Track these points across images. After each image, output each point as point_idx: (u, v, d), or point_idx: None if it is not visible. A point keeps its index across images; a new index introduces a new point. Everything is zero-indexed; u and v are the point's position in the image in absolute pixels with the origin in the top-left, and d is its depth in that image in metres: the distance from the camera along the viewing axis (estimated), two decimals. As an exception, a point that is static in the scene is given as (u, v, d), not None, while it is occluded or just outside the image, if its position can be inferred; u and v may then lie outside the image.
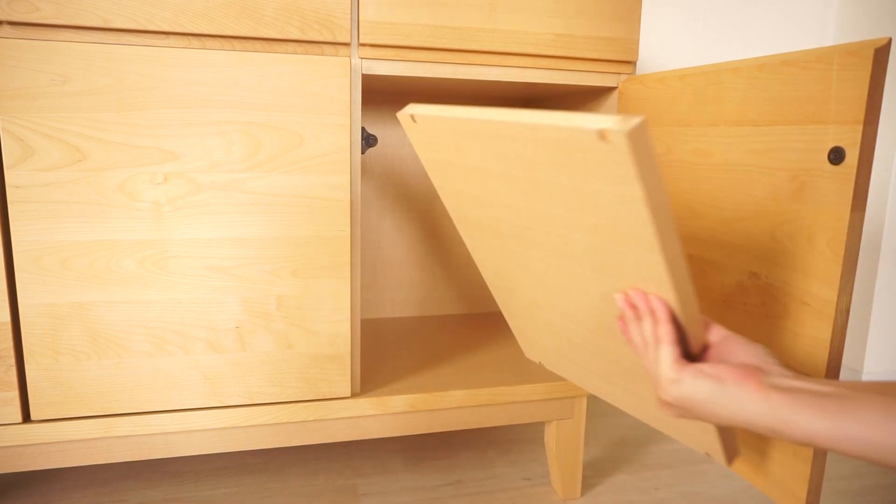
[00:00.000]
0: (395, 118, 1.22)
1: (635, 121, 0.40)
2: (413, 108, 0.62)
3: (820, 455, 0.60)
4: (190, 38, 0.74)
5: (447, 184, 0.67)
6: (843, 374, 1.50)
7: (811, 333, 0.59)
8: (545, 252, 0.60)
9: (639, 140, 0.40)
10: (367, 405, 0.86)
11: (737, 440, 0.59)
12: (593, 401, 1.42)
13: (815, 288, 0.59)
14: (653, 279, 0.48)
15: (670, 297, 0.48)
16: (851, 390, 0.41)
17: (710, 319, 0.55)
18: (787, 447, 0.62)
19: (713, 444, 0.59)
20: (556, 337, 0.71)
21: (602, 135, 0.41)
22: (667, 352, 0.48)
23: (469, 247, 0.75)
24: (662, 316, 0.48)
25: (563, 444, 1.00)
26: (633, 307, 0.51)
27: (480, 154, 0.57)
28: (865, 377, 1.46)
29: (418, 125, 0.63)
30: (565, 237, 0.55)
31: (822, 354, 0.58)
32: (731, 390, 0.45)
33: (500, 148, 0.53)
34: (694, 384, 0.46)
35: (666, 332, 0.48)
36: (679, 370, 0.47)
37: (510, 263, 0.68)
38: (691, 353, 0.52)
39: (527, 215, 0.58)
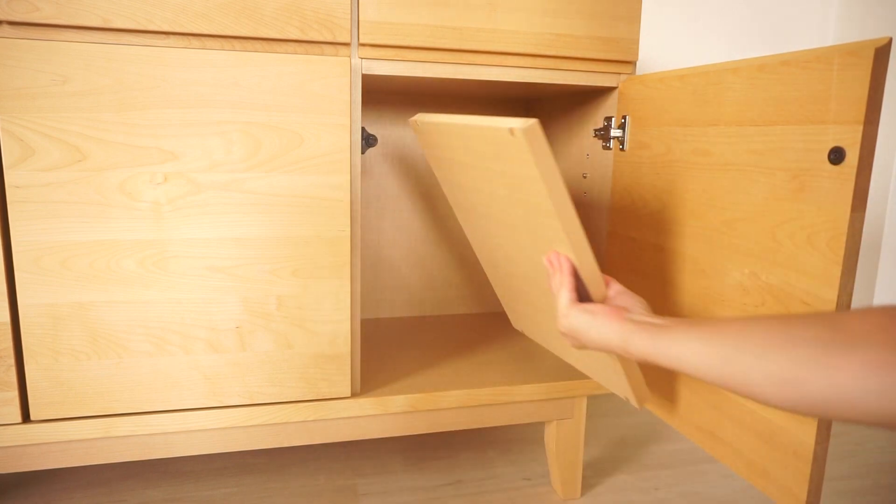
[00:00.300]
0: (395, 118, 1.22)
1: (531, 122, 0.56)
2: (417, 116, 0.80)
3: (820, 455, 0.60)
4: (190, 38, 0.74)
5: (443, 175, 0.85)
6: (843, 374, 1.50)
7: (811, 333, 0.59)
8: (502, 226, 0.75)
9: (534, 135, 0.55)
10: (367, 405, 0.86)
11: (644, 387, 0.71)
12: (593, 401, 1.42)
13: (815, 288, 0.59)
14: (559, 242, 0.63)
15: (572, 256, 0.64)
16: (676, 321, 0.55)
17: (610, 278, 0.68)
18: (787, 447, 0.62)
19: (626, 388, 0.71)
20: (524, 302, 0.84)
21: (511, 132, 0.57)
22: (564, 295, 0.64)
23: (465, 231, 0.92)
24: (566, 270, 0.64)
25: (563, 444, 1.00)
26: (552, 264, 0.66)
27: (457, 149, 0.73)
28: (865, 377, 1.45)
29: (420, 129, 0.80)
30: (509, 212, 0.71)
31: (822, 354, 0.58)
32: (599, 320, 0.60)
33: (465, 144, 0.70)
34: (577, 317, 0.62)
35: (566, 281, 0.64)
36: (569, 308, 0.63)
37: (487, 240, 0.84)
38: (591, 302, 0.66)
39: (487, 197, 0.74)
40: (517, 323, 0.97)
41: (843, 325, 0.42)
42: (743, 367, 0.46)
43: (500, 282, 0.91)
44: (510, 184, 0.66)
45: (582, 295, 0.66)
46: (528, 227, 0.69)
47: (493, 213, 0.76)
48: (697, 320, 0.53)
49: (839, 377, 0.40)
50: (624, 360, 0.67)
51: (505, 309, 0.98)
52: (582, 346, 0.63)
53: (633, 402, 0.71)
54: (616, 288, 0.67)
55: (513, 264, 0.81)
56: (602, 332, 0.59)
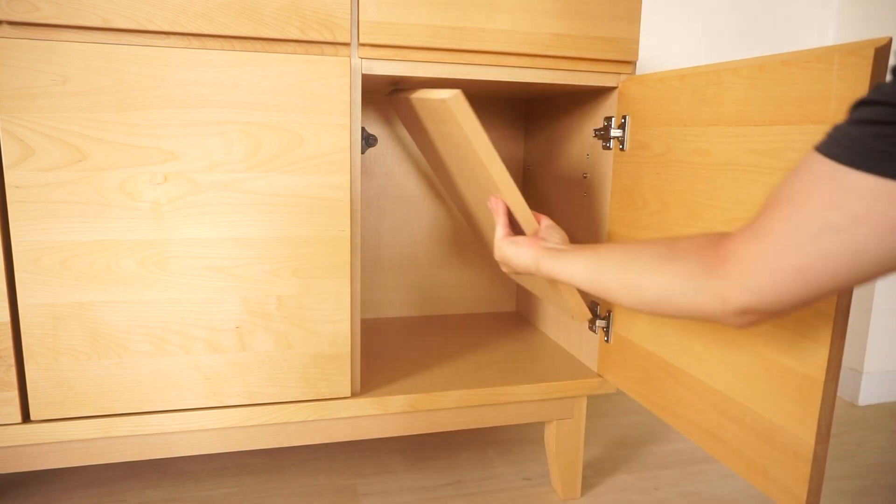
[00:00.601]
0: (395, 118, 1.22)
1: (455, 91, 0.69)
2: (392, 93, 0.94)
3: (820, 455, 0.60)
4: (190, 38, 0.74)
5: (418, 142, 1.04)
6: (844, 374, 1.50)
7: (811, 333, 0.59)
8: (461, 179, 0.90)
9: (457, 102, 0.69)
10: (367, 405, 0.86)
11: (583, 306, 0.83)
12: (593, 401, 1.42)
13: (815, 288, 0.59)
14: (495, 189, 0.77)
15: (506, 199, 0.77)
16: (574, 248, 0.69)
17: (542, 216, 0.80)
18: (787, 447, 0.62)
19: (567, 307, 0.84)
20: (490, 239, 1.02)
21: (442, 101, 0.71)
22: (498, 231, 0.79)
23: (444, 189, 1.10)
24: (500, 210, 0.79)
25: (563, 444, 1.00)
26: (492, 207, 0.80)
27: (422, 119, 0.89)
28: (865, 377, 1.46)
29: (396, 104, 0.95)
30: (460, 167, 0.85)
31: (822, 354, 0.58)
32: (521, 249, 0.74)
33: (424, 114, 0.85)
34: (506, 247, 0.76)
35: (500, 220, 0.79)
36: (501, 240, 0.77)
37: (456, 191, 1.01)
38: (521, 232, 0.80)
39: (446, 156, 0.90)
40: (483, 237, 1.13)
41: (675, 245, 0.55)
42: (606, 279, 0.61)
43: (475, 225, 1.07)
44: (454, 143, 0.81)
45: (518, 231, 0.80)
46: (474, 178, 0.85)
47: (453, 169, 0.93)
48: (588, 246, 0.68)
49: (664, 283, 0.54)
50: (563, 283, 0.77)
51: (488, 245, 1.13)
52: (512, 270, 0.78)
53: (575, 317, 0.85)
54: (546, 223, 0.79)
55: (475, 209, 0.97)
56: (521, 257, 0.74)
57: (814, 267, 0.43)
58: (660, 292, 0.54)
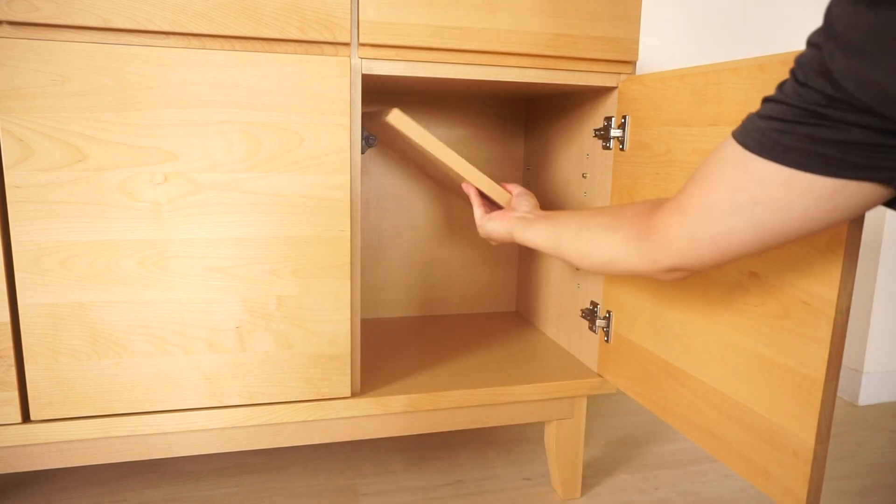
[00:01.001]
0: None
1: (394, 111, 0.81)
2: (388, 114, 0.90)
3: (820, 455, 0.60)
4: (190, 38, 0.74)
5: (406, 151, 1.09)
6: (844, 374, 1.50)
7: (811, 333, 0.59)
8: (438, 175, 1.07)
9: (396, 118, 0.81)
10: (367, 405, 0.86)
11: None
12: (593, 401, 1.42)
13: (815, 288, 0.59)
14: (460, 176, 0.89)
15: (471, 181, 0.88)
16: (541, 215, 0.80)
17: (512, 185, 0.90)
18: (787, 447, 0.62)
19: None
20: None
21: (387, 122, 0.82)
22: (476, 212, 0.90)
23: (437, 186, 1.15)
24: (472, 193, 0.91)
25: (563, 444, 1.00)
26: (466, 193, 0.92)
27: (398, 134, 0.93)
28: (865, 377, 1.46)
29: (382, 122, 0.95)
30: (432, 166, 1.00)
31: (822, 354, 0.58)
32: (496, 222, 0.85)
33: (388, 133, 0.96)
34: (486, 224, 0.87)
35: (475, 202, 0.91)
36: (481, 219, 0.88)
37: (442, 185, 1.16)
38: (499, 206, 0.91)
39: (422, 160, 1.02)
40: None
41: (619, 213, 0.66)
42: (563, 247, 0.72)
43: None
44: (418, 150, 0.92)
45: (496, 206, 0.91)
46: (445, 172, 0.97)
47: (429, 170, 1.08)
48: (549, 214, 0.79)
49: (608, 249, 0.65)
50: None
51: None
52: (496, 241, 0.88)
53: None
54: (517, 190, 0.89)
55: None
56: (497, 230, 0.85)
57: (724, 237, 0.52)
58: (606, 257, 0.65)
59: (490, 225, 0.86)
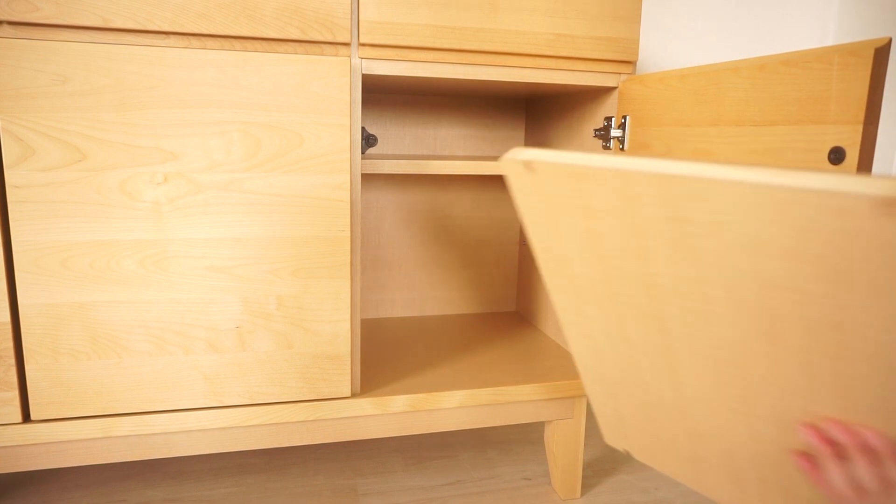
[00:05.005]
0: (396, 118, 1.22)
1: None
2: (525, 153, 0.47)
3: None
4: (190, 38, 0.74)
5: (562, 244, 0.52)
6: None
7: (811, 333, 0.59)
8: (694, 349, 0.48)
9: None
10: (367, 405, 0.86)
11: None
12: (593, 401, 1.42)
13: (815, 288, 0.59)
14: (855, 409, 0.38)
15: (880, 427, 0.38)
16: None
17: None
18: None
19: None
20: (671, 442, 0.59)
21: (887, 202, 0.31)
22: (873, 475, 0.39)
23: (558, 310, 0.59)
24: (888, 452, 0.38)
25: (563, 444, 1.00)
26: (831, 443, 0.41)
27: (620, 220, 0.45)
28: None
29: (537, 175, 0.48)
30: (738, 347, 0.44)
31: (822, 354, 0.58)
32: None
33: (664, 212, 0.41)
34: None
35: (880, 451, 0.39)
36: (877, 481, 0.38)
37: (633, 349, 0.54)
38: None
39: (681, 301, 0.46)
40: (618, 441, 0.68)
41: None
42: None
43: (625, 392, 0.60)
44: (805, 296, 0.37)
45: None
46: (789, 378, 0.41)
47: (690, 330, 0.46)
48: None
49: None
50: None
51: (601, 415, 0.66)
52: None
53: None
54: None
55: (681, 399, 0.52)
56: None
57: None
58: None
59: None
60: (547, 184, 0.47)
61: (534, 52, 0.84)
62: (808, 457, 0.43)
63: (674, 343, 0.49)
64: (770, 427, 0.45)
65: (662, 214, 0.41)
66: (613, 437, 0.67)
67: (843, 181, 0.32)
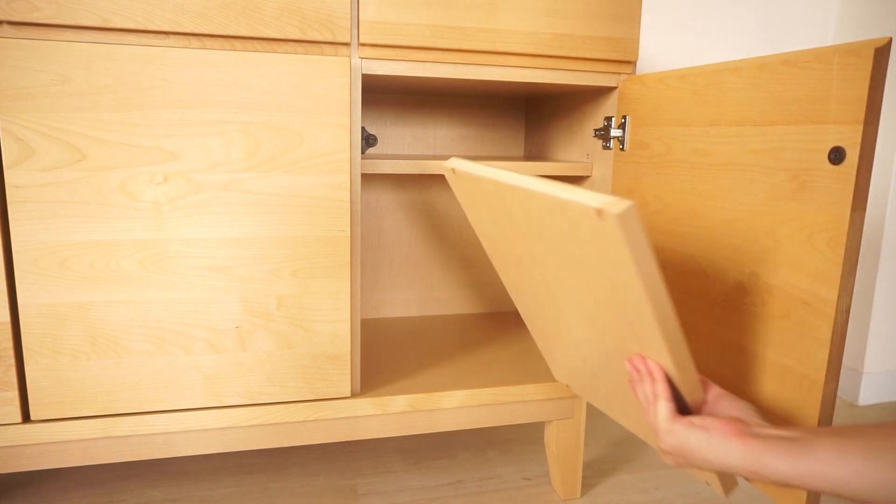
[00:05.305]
0: (396, 118, 1.22)
1: (626, 204, 0.45)
2: (454, 163, 0.70)
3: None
4: (190, 37, 0.74)
5: (486, 231, 0.74)
6: (844, 374, 1.50)
7: (811, 333, 0.59)
8: (569, 307, 0.66)
9: (629, 220, 0.46)
10: (367, 405, 0.86)
11: (733, 476, 0.63)
12: (593, 401, 1.42)
13: (815, 288, 0.59)
14: (649, 345, 0.55)
15: (666, 361, 0.55)
16: (814, 434, 0.48)
17: (707, 379, 0.62)
18: (788, 447, 0.62)
19: (710, 476, 0.64)
20: (582, 371, 0.76)
21: (599, 213, 0.47)
22: (663, 407, 0.56)
23: (504, 282, 0.80)
24: (659, 377, 0.57)
25: (563, 444, 1.00)
26: (637, 370, 0.58)
27: (512, 213, 0.63)
28: (865, 377, 1.46)
29: (458, 179, 0.70)
30: (580, 298, 0.61)
31: (822, 354, 0.58)
32: (716, 438, 0.52)
33: (525, 210, 0.59)
34: (685, 434, 0.54)
35: (662, 390, 0.56)
36: (673, 422, 0.55)
37: (541, 309, 0.74)
38: (688, 408, 0.59)
39: (550, 273, 0.64)
40: (561, 377, 0.87)
41: None
42: None
43: (548, 340, 0.80)
44: (587, 269, 0.55)
45: (678, 402, 0.58)
46: (606, 321, 0.59)
47: (556, 290, 0.65)
48: (835, 429, 0.47)
49: None
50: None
51: (545, 357, 0.87)
52: (689, 464, 0.54)
53: (718, 489, 0.63)
54: (715, 391, 0.59)
55: (577, 342, 0.70)
56: (721, 453, 0.51)
57: None
58: None
59: (695, 438, 0.53)
60: (466, 184, 0.69)
61: (534, 51, 0.84)
62: (631, 380, 0.60)
63: (557, 301, 0.67)
64: (617, 362, 0.63)
65: (517, 209, 0.61)
66: (557, 374, 0.88)
67: (581, 195, 0.49)
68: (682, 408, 0.59)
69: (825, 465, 0.45)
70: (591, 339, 0.66)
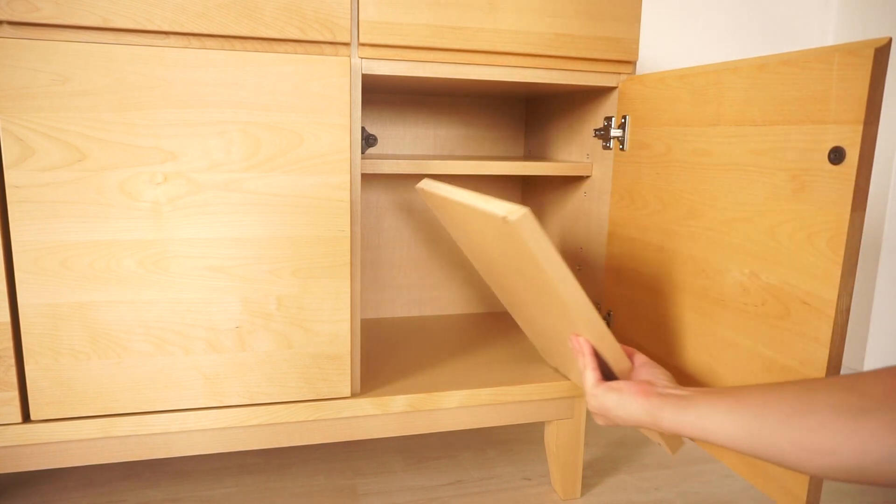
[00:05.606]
0: (396, 118, 1.22)
1: (522, 210, 0.56)
2: (424, 184, 0.82)
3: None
4: (190, 37, 0.74)
5: (457, 237, 0.87)
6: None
7: (811, 333, 0.59)
8: (523, 297, 0.78)
9: (526, 223, 0.56)
10: (367, 405, 0.86)
11: (678, 437, 0.71)
12: (593, 401, 1.42)
13: (815, 288, 0.59)
14: (575, 325, 0.68)
15: (590, 337, 0.67)
16: (701, 393, 0.55)
17: (634, 350, 0.72)
18: (788, 447, 0.62)
19: (657, 436, 0.73)
20: (555, 350, 0.88)
21: (504, 220, 0.57)
22: (589, 375, 0.67)
23: (484, 278, 0.94)
24: (586, 351, 0.68)
25: (563, 444, 1.00)
26: (574, 347, 0.70)
27: (466, 223, 0.74)
28: (865, 377, 1.46)
29: (427, 196, 0.82)
30: (524, 289, 0.73)
31: (822, 354, 0.58)
32: (626, 398, 0.61)
33: (471, 221, 0.70)
34: (605, 396, 0.63)
35: (589, 362, 0.68)
36: (595, 387, 0.65)
37: (511, 298, 0.86)
38: (614, 375, 0.70)
39: (503, 269, 0.76)
40: (550, 361, 0.98)
41: (862, 389, 0.44)
42: (770, 437, 0.47)
43: (529, 328, 0.92)
44: (516, 265, 0.67)
45: (606, 371, 0.69)
46: (544, 307, 0.71)
47: (512, 286, 0.77)
48: (720, 390, 0.54)
49: (861, 443, 0.41)
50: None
51: (533, 343, 1.01)
52: (611, 422, 0.65)
53: (666, 449, 0.73)
54: (640, 360, 0.70)
55: (540, 325, 0.82)
56: (630, 409, 0.61)
57: None
58: (860, 457, 0.41)
59: (613, 399, 0.62)
60: (431, 201, 0.81)
61: (533, 51, 0.84)
62: (573, 355, 0.71)
63: (519, 295, 0.79)
64: (567, 341, 0.73)
65: (466, 220, 0.72)
66: (545, 358, 0.99)
67: (494, 205, 0.59)
68: (610, 376, 0.69)
69: (701, 418, 0.53)
70: (547, 324, 0.78)
